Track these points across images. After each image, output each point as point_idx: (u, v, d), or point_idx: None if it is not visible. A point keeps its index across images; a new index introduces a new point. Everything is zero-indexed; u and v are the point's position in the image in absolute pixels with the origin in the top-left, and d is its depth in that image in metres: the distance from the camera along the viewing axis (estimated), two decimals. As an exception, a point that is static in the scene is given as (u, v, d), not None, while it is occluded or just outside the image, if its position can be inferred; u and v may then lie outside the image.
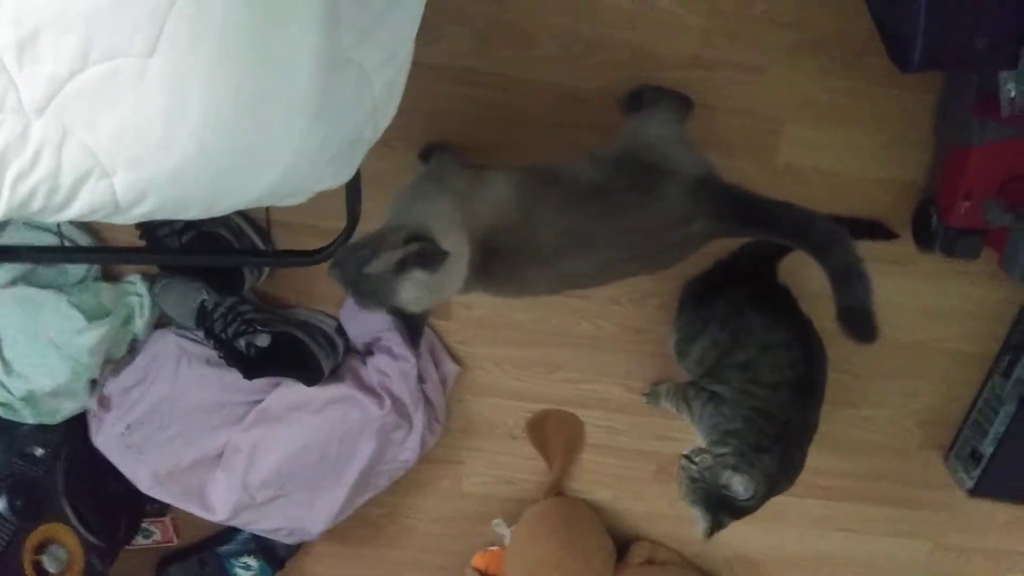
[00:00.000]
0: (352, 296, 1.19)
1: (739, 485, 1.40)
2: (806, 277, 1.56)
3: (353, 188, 1.31)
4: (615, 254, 1.26)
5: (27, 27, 0.79)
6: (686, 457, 1.48)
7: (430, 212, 1.20)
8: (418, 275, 1.15)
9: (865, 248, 1.62)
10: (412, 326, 1.25)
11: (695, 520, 1.47)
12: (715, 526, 1.45)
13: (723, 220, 1.26)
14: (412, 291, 1.17)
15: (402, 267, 1.14)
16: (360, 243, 1.17)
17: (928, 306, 1.74)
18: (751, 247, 1.60)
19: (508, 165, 1.29)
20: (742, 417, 1.46)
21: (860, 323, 1.22)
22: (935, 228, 1.56)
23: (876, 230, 1.63)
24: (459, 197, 1.23)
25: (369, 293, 1.17)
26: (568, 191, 1.25)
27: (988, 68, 1.34)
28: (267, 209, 1.50)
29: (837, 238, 1.23)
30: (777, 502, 1.93)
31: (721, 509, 1.44)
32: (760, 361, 1.48)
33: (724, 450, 1.44)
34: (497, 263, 1.23)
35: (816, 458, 1.88)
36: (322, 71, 0.89)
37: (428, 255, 1.14)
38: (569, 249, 1.24)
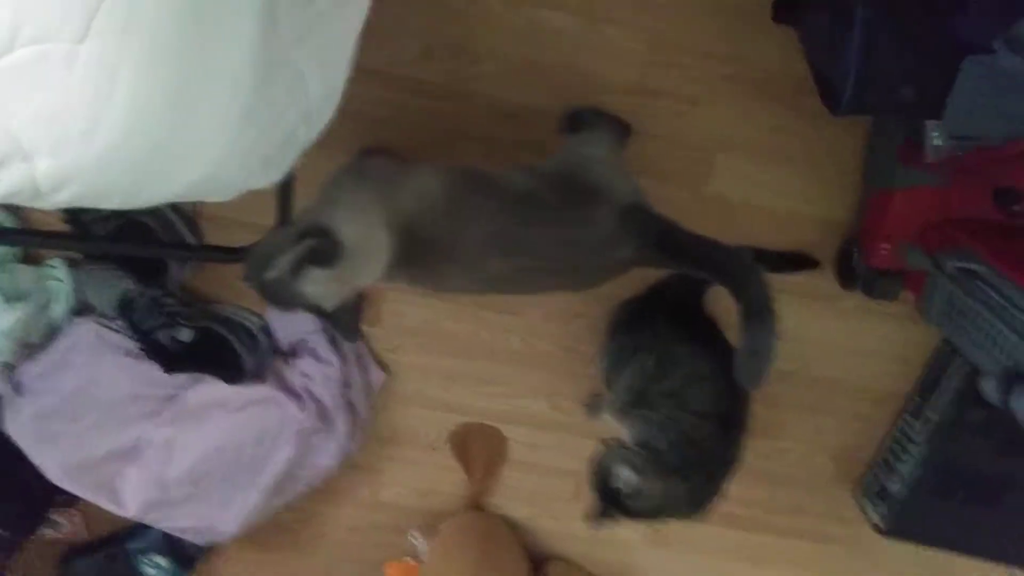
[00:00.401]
0: (268, 302, 1.18)
1: (620, 474, 1.45)
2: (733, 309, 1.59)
3: (285, 188, 1.30)
4: (538, 264, 1.27)
5: None
6: (603, 441, 1.51)
7: (337, 202, 1.20)
8: (316, 272, 1.15)
9: (789, 282, 1.69)
10: (338, 318, 1.22)
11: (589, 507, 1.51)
12: (602, 515, 1.50)
13: (648, 249, 1.29)
14: (317, 287, 1.16)
15: (298, 266, 1.14)
16: (259, 246, 1.16)
17: (846, 343, 1.78)
18: (679, 276, 1.63)
19: (440, 163, 1.30)
20: (667, 441, 1.48)
21: (753, 369, 1.25)
22: (857, 267, 1.60)
23: (798, 261, 1.68)
24: (380, 185, 1.23)
25: (278, 297, 1.16)
26: (499, 195, 1.26)
27: (914, 117, 1.39)
28: (195, 202, 1.49)
29: (754, 278, 1.26)
30: (689, 528, 1.96)
31: (609, 501, 1.48)
32: (687, 391, 1.51)
33: (639, 452, 1.47)
34: (419, 254, 1.23)
35: (732, 486, 1.92)
36: (257, 70, 0.89)
37: (321, 250, 1.13)
38: (493, 252, 1.25)
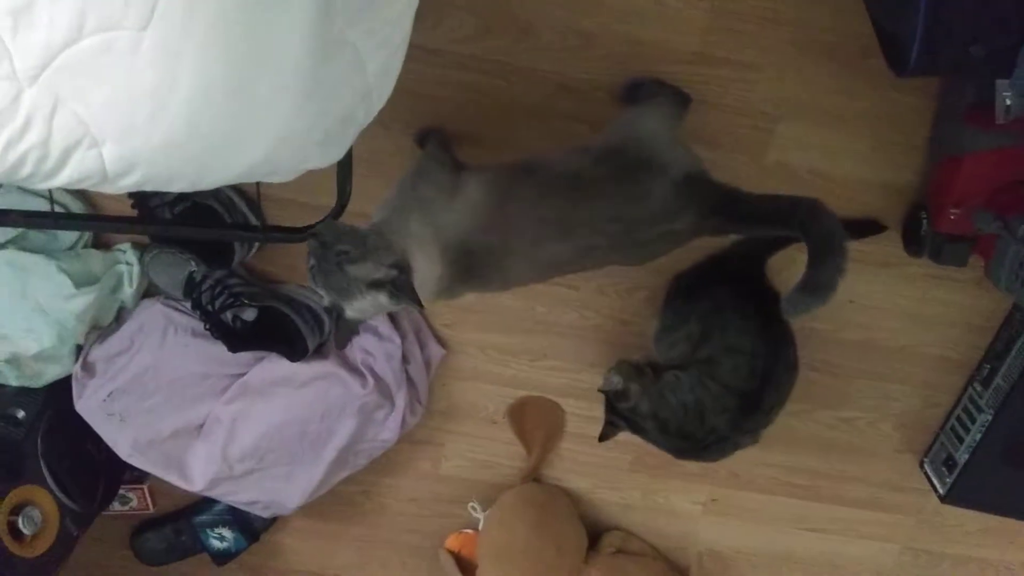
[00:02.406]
0: (313, 271, 1.18)
1: (611, 377, 1.56)
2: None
3: (344, 167, 1.31)
4: (595, 241, 1.27)
5: None
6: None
7: (409, 234, 1.21)
8: (383, 299, 1.17)
9: (855, 249, 1.66)
10: (344, 327, 1.26)
11: None
12: (608, 430, 1.65)
13: (708, 217, 1.27)
14: (369, 307, 1.19)
15: (376, 286, 1.16)
16: (349, 234, 1.17)
17: (913, 311, 1.75)
18: (741, 246, 1.61)
19: (482, 165, 1.30)
20: (680, 403, 1.52)
21: (804, 302, 1.20)
22: (924, 234, 1.57)
23: (865, 227, 1.64)
24: (430, 210, 1.24)
25: (332, 282, 1.17)
26: (543, 180, 1.26)
27: (983, 75, 1.35)
28: (257, 184, 1.50)
29: (822, 211, 1.22)
30: (749, 498, 1.97)
31: (612, 410, 1.61)
32: (723, 361, 1.51)
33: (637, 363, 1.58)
34: (478, 264, 1.25)
35: (793, 457, 1.92)
36: (315, 52, 0.89)
37: (401, 289, 1.16)
38: (547, 237, 1.25)
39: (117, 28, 0.80)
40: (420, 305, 1.17)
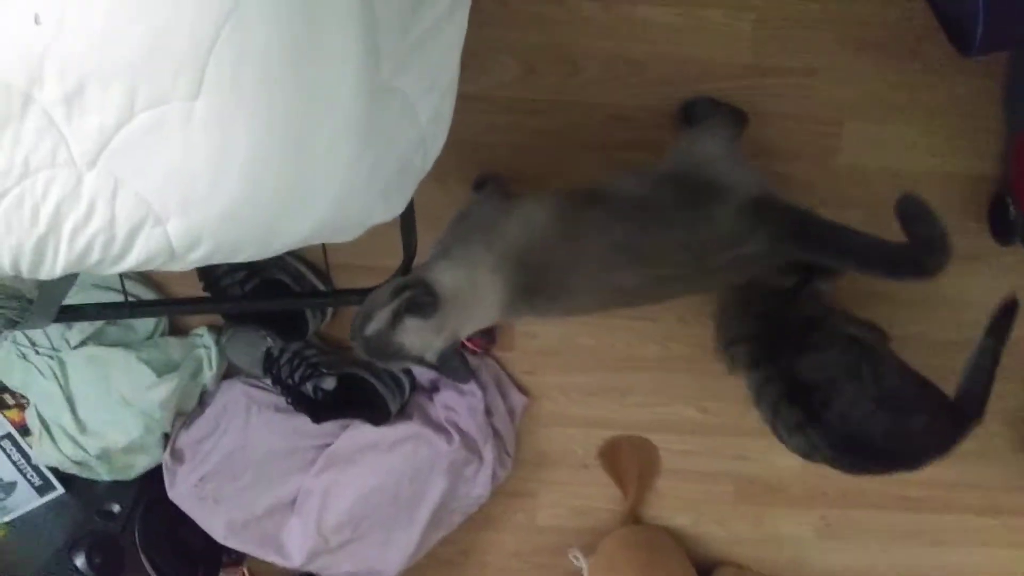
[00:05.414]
0: (372, 359, 1.20)
1: None
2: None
3: (407, 222, 1.30)
4: (664, 271, 1.24)
5: (72, 81, 0.79)
6: None
7: (442, 252, 1.23)
8: (413, 322, 1.16)
9: None
10: (444, 365, 1.24)
11: None
12: None
13: (779, 241, 1.23)
14: (415, 338, 1.18)
15: (396, 319, 1.15)
16: (362, 306, 1.19)
17: (1011, 303, 1.66)
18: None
19: (543, 190, 1.29)
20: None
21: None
22: (1013, 218, 1.50)
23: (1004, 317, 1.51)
24: (484, 229, 1.25)
25: (380, 352, 1.18)
26: (613, 206, 1.24)
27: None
28: (324, 251, 1.50)
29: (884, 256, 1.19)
30: (862, 515, 1.88)
31: None
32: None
33: None
34: (540, 284, 1.22)
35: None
36: (364, 101, 0.88)
37: (418, 301, 1.15)
38: (616, 264, 1.23)
39: (168, 102, 0.80)
40: (432, 309, 1.15)
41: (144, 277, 1.63)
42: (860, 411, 1.34)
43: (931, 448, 1.37)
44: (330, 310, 1.65)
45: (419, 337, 1.18)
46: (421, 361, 1.21)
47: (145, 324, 1.63)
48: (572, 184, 1.29)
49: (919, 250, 1.20)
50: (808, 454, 1.42)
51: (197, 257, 0.90)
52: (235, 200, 0.85)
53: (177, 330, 1.70)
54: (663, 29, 1.47)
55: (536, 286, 1.23)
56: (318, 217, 0.92)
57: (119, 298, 1.51)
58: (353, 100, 0.87)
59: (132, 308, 1.42)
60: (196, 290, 1.57)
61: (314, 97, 0.85)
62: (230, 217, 0.86)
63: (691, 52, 1.48)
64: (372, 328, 1.16)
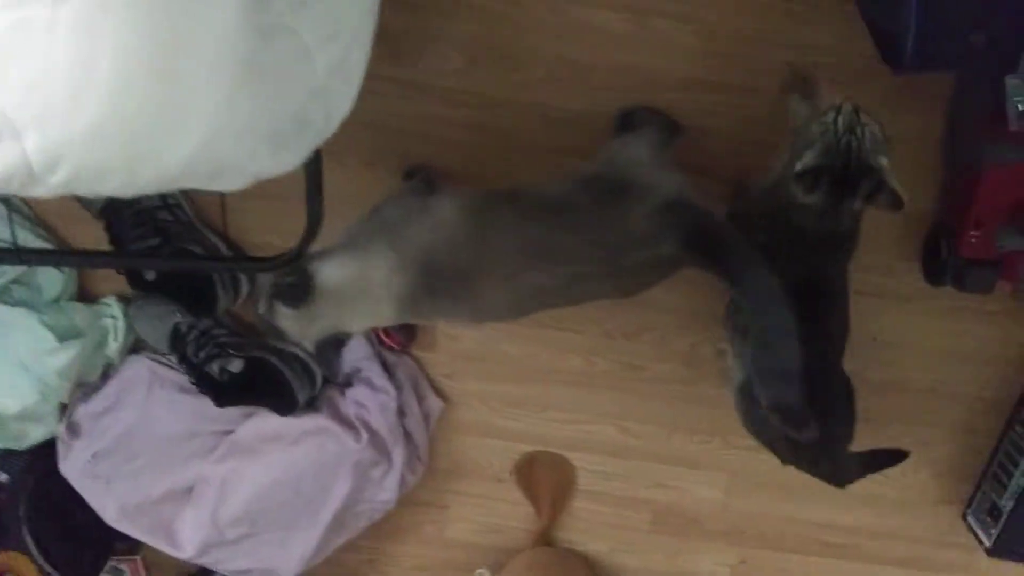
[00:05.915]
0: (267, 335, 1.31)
1: None
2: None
3: (313, 187, 1.23)
4: (577, 269, 1.21)
5: None
6: None
7: (342, 243, 1.26)
8: (283, 310, 1.22)
9: (873, 284, 1.57)
10: (320, 356, 1.33)
11: None
12: None
13: (689, 247, 1.19)
14: (290, 324, 1.24)
15: (269, 304, 1.24)
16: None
17: (942, 347, 1.64)
18: None
19: (459, 187, 1.31)
20: None
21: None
22: (945, 259, 1.46)
23: (884, 459, 1.51)
24: (391, 225, 1.26)
25: (272, 334, 1.28)
26: (525, 206, 1.23)
27: (985, 68, 1.27)
28: (223, 205, 1.49)
29: (772, 296, 1.14)
30: (782, 560, 1.83)
31: None
32: None
33: None
34: (444, 285, 1.22)
35: (824, 512, 1.79)
36: (249, 33, 0.84)
37: (287, 290, 1.21)
38: (527, 264, 1.21)
39: (29, 5, 0.76)
40: (300, 300, 1.21)
41: (49, 235, 1.58)
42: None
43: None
44: (244, 290, 1.60)
45: (292, 324, 1.23)
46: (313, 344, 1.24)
47: (52, 286, 1.57)
48: (500, 183, 1.27)
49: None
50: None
51: (58, 181, 0.85)
52: (97, 118, 0.80)
53: (86, 298, 1.64)
54: (611, 35, 1.44)
55: (440, 287, 1.22)
56: (189, 150, 0.87)
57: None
58: (234, 29, 0.83)
59: (21, 254, 1.36)
60: (102, 242, 1.52)
61: (190, 18, 0.81)
62: (91, 136, 0.81)
63: (636, 60, 1.45)
64: (260, 307, 1.27)
